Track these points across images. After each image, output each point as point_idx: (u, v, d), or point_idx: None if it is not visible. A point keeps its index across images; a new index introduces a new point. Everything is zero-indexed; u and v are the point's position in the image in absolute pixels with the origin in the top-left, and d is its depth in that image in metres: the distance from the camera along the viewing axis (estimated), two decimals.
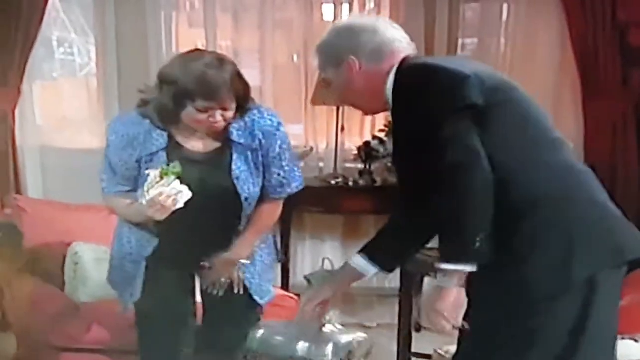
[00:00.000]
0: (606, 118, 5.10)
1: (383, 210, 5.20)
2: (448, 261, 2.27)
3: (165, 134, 2.83)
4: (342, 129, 5.18)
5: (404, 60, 2.45)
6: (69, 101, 5.10)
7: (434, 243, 3.97)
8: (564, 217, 2.27)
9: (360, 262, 2.56)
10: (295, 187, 2.98)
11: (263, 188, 2.93)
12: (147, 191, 2.63)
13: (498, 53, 5.40)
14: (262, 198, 2.95)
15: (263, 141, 2.88)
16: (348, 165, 5.26)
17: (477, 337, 2.36)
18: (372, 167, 5.17)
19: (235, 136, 2.85)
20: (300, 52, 5.33)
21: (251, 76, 5.15)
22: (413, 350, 4.34)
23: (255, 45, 5.25)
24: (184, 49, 5.16)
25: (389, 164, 5.16)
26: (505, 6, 5.39)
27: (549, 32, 5.28)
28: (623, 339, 3.00)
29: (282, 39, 5.41)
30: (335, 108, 5.18)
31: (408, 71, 2.39)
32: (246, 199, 2.88)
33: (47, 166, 4.88)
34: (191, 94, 2.71)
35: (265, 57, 5.25)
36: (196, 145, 2.87)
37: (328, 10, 5.40)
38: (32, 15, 4.57)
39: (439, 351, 3.37)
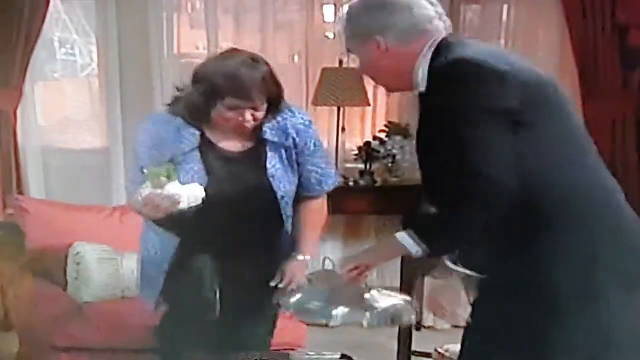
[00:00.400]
0: (605, 119, 5.09)
1: (383, 210, 5.24)
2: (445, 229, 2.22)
3: (197, 133, 2.81)
4: (343, 129, 5.19)
5: (441, 42, 2.29)
6: (70, 101, 5.10)
7: None
8: (589, 223, 2.19)
9: (407, 240, 2.35)
10: (331, 183, 2.98)
11: (300, 186, 2.93)
12: (142, 189, 2.63)
13: None
14: (303, 196, 2.94)
15: (297, 139, 2.88)
16: (348, 165, 5.25)
17: (491, 344, 2.29)
18: (373, 168, 5.17)
19: (268, 135, 2.85)
20: (301, 53, 5.33)
21: None
22: (413, 348, 4.35)
23: (256, 46, 5.24)
24: (185, 50, 5.27)
25: (390, 164, 5.16)
26: (505, 7, 5.39)
27: (549, 33, 5.29)
28: None
29: (283, 39, 5.41)
30: (335, 108, 5.19)
31: (445, 61, 2.22)
32: (282, 197, 2.87)
33: (48, 166, 4.88)
34: (221, 92, 2.71)
35: (266, 58, 5.16)
36: (229, 144, 2.86)
37: (328, 11, 5.40)
38: (33, 16, 4.58)
39: (439, 350, 3.37)
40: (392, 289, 4.82)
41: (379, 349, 4.77)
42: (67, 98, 5.10)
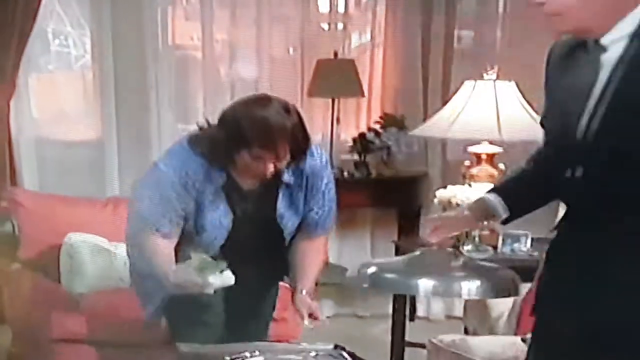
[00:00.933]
0: None
1: (378, 202, 5.25)
2: None
3: (224, 173, 2.81)
4: (338, 120, 5.19)
5: None
6: (64, 94, 5.07)
7: None
8: None
9: (494, 201, 2.21)
10: (329, 227, 3.02)
11: (302, 224, 2.96)
12: (180, 270, 2.62)
13: (494, 45, 5.39)
14: (303, 233, 2.97)
15: (310, 179, 2.89)
16: (343, 157, 5.25)
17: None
18: (368, 159, 5.16)
19: (285, 177, 2.86)
20: (297, 45, 5.32)
21: (247, 70, 5.29)
22: (407, 339, 4.35)
23: (252, 38, 5.24)
24: (180, 42, 5.27)
25: (385, 156, 5.16)
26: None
27: (545, 24, 5.27)
28: None
29: (279, 32, 5.41)
30: (330, 100, 5.18)
31: None
32: (289, 233, 2.95)
33: (43, 159, 4.86)
34: (250, 141, 2.69)
35: (261, 50, 5.24)
36: (248, 182, 2.86)
37: (324, 3, 5.39)
38: (27, 8, 4.55)
39: (433, 340, 3.35)
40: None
41: (372, 340, 4.79)
42: (61, 90, 5.07)
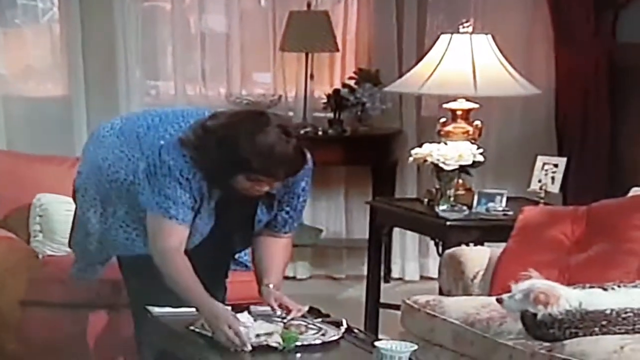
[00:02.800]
0: (578, 64, 5.09)
1: (353, 160, 5.24)
2: None
3: (219, 190, 2.83)
4: (312, 76, 5.14)
5: None
6: (31, 49, 5.02)
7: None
8: None
9: None
10: (295, 227, 3.01)
11: (270, 222, 2.95)
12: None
13: (469, 2, 5.32)
14: (270, 230, 2.97)
15: (289, 186, 2.88)
16: (317, 114, 5.22)
17: None
18: (342, 116, 5.14)
19: (274, 190, 2.85)
20: None
21: (217, 22, 5.22)
22: (382, 300, 4.37)
23: None
24: None
25: (359, 113, 5.13)
26: None
27: None
28: (592, 287, 2.96)
29: None
30: (304, 55, 5.13)
31: None
32: (258, 229, 2.97)
33: (10, 116, 4.80)
34: (251, 168, 2.68)
35: (231, 1, 5.18)
36: (239, 196, 2.84)
37: None
38: None
39: (408, 301, 3.35)
40: (361, 240, 4.88)
41: (347, 302, 4.82)
42: (28, 45, 5.02)
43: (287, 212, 2.95)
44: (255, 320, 2.65)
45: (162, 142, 2.82)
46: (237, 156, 2.68)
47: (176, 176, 2.76)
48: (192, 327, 2.65)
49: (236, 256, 3.12)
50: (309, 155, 2.87)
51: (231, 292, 3.10)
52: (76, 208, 3.11)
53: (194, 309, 2.68)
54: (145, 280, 2.89)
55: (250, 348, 2.56)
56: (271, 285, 2.88)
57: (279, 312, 2.78)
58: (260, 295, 2.88)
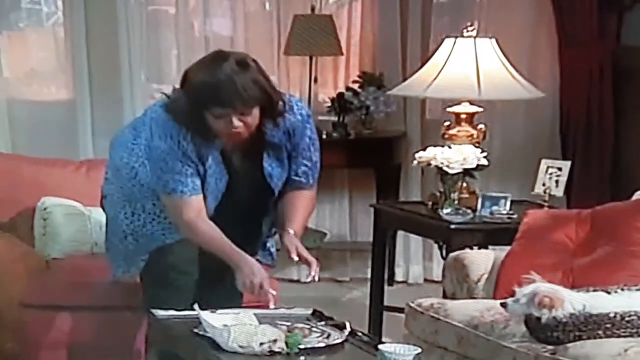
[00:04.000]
0: (582, 67, 5.10)
1: (357, 163, 5.27)
2: None
3: (219, 140, 2.89)
4: (316, 80, 5.18)
5: None
6: (36, 52, 5.05)
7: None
8: None
9: None
10: (316, 178, 3.08)
11: (290, 177, 3.02)
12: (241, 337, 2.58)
13: (473, 2, 5.35)
14: (292, 186, 3.04)
15: (294, 137, 2.96)
16: (321, 117, 5.22)
17: None
18: (346, 120, 5.16)
19: (269, 136, 2.93)
20: (272, 0, 5.27)
21: (221, 25, 5.24)
22: (385, 303, 4.38)
23: None
24: None
25: (363, 116, 5.16)
26: None
27: None
28: (596, 290, 2.98)
29: None
30: (308, 59, 5.15)
31: None
32: (278, 190, 3.03)
33: (14, 119, 4.82)
34: (205, 102, 2.78)
35: (236, 4, 5.22)
36: (233, 145, 2.93)
37: None
38: None
39: (411, 304, 3.36)
40: (365, 243, 4.89)
41: (351, 305, 4.83)
42: (32, 49, 5.05)
43: (306, 165, 3.02)
44: (260, 322, 2.66)
45: (153, 115, 2.95)
46: (195, 94, 2.79)
47: (168, 145, 2.86)
48: (196, 330, 2.67)
49: (267, 245, 3.17)
50: (302, 104, 3.01)
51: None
52: (107, 215, 3.20)
53: (197, 312, 2.69)
54: (163, 282, 2.98)
55: (274, 293, 2.83)
56: (291, 232, 2.96)
57: (295, 258, 2.92)
58: (282, 242, 2.99)
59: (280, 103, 2.89)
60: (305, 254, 2.94)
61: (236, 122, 2.80)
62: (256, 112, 2.83)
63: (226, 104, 2.77)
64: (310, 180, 3.06)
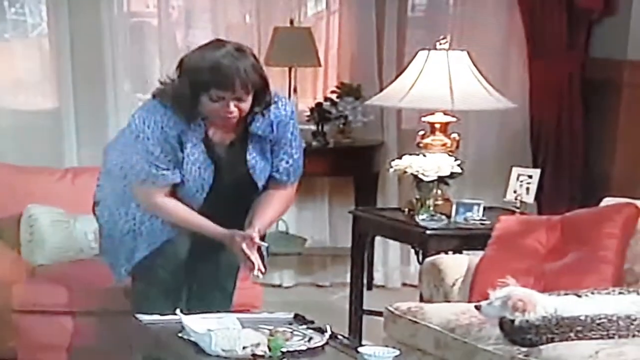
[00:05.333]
0: (552, 78, 5.15)
1: (336, 171, 5.26)
2: None
3: (202, 126, 2.91)
4: (295, 90, 5.18)
5: None
6: (21, 62, 5.04)
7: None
8: None
9: None
10: (298, 175, 3.09)
11: (270, 173, 3.03)
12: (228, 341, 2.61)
13: (446, 15, 5.43)
14: (274, 183, 3.04)
15: (277, 131, 2.97)
16: (301, 127, 5.08)
17: None
18: (325, 129, 5.18)
19: (253, 127, 2.94)
20: (252, 12, 5.29)
21: (203, 37, 5.27)
22: (365, 307, 4.39)
23: (208, 4, 5.22)
24: (136, 8, 5.23)
25: (342, 126, 5.18)
26: None
27: None
28: (567, 294, 3.02)
29: None
30: (287, 69, 5.18)
31: None
32: (262, 184, 3.02)
33: (0, 128, 4.81)
34: (205, 83, 2.79)
35: (217, 16, 5.22)
36: (221, 136, 2.95)
37: None
38: None
39: (390, 308, 3.39)
40: (344, 249, 4.96)
41: (331, 309, 4.84)
42: (17, 59, 5.04)
43: (287, 161, 3.03)
44: (243, 327, 2.70)
45: (140, 106, 2.99)
46: (193, 76, 2.81)
47: (151, 129, 2.87)
48: (180, 335, 2.70)
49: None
50: (287, 100, 3.04)
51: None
52: (101, 220, 3.20)
53: (180, 317, 2.74)
54: (152, 286, 3.02)
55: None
56: (256, 229, 2.96)
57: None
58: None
59: (271, 94, 2.93)
60: (250, 252, 2.92)
61: (232, 106, 2.82)
62: (250, 98, 2.85)
63: (227, 87, 2.79)
64: (291, 177, 3.07)
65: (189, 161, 2.93)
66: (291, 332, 2.77)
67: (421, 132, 4.31)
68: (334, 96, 5.24)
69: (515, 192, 4.13)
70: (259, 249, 2.98)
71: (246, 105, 2.86)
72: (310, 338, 2.73)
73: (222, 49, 2.83)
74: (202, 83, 2.80)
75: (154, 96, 2.94)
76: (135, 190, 3.00)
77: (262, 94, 2.89)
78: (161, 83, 2.95)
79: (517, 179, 4.15)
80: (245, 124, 2.93)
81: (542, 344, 2.84)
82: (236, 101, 2.83)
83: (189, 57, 2.88)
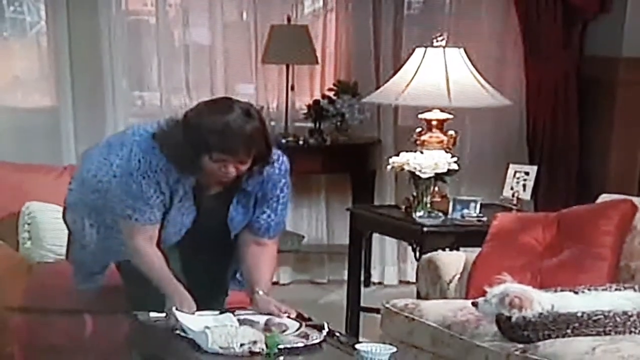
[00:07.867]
0: (547, 76, 5.17)
1: (333, 168, 5.27)
2: None
3: (193, 179, 2.87)
4: (292, 88, 5.19)
5: None
6: (19, 61, 5.04)
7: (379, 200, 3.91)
8: None
9: None
10: (278, 233, 3.05)
11: (252, 226, 3.00)
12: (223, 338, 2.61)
13: (443, 12, 5.44)
14: (251, 235, 3.01)
15: (266, 186, 2.94)
16: (298, 124, 5.27)
17: None
18: (322, 126, 5.19)
19: (244, 184, 2.91)
20: (250, 10, 5.30)
21: (200, 35, 5.30)
22: (362, 304, 4.42)
23: (205, 2, 5.22)
24: (134, 7, 5.24)
25: (339, 123, 5.20)
26: None
27: None
28: (563, 290, 3.06)
29: None
30: (285, 67, 5.18)
31: None
32: (235, 232, 3.00)
33: None
34: (210, 146, 2.74)
35: (214, 15, 5.22)
36: (213, 186, 2.92)
37: None
38: None
39: (387, 305, 3.41)
40: (342, 246, 4.98)
41: (329, 306, 4.86)
42: (16, 57, 5.04)
43: (269, 215, 2.98)
44: (240, 324, 2.71)
45: (136, 138, 2.91)
46: (198, 135, 2.75)
47: (145, 170, 2.82)
48: (177, 332, 2.71)
49: (236, 274, 3.16)
50: (284, 158, 2.96)
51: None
52: (69, 226, 3.18)
53: (176, 314, 2.75)
54: (144, 285, 2.96)
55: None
56: (261, 292, 2.94)
57: (284, 316, 2.82)
58: (251, 303, 2.94)
59: (272, 155, 2.89)
60: (281, 307, 2.89)
61: (231, 168, 2.79)
62: (250, 161, 2.81)
63: (230, 152, 2.75)
64: (270, 232, 3.01)
65: (176, 206, 2.91)
66: (286, 324, 2.77)
67: (418, 130, 4.33)
68: (331, 94, 5.25)
69: (512, 189, 4.16)
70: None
71: (245, 167, 2.83)
72: (308, 335, 2.74)
73: (230, 113, 2.76)
74: (205, 145, 2.76)
75: (153, 136, 2.87)
76: (120, 221, 2.96)
77: (263, 156, 2.86)
78: (159, 126, 2.88)
79: (514, 175, 4.18)
80: (238, 180, 2.90)
81: (538, 340, 2.86)
82: (237, 164, 2.80)
83: (195, 115, 2.82)
